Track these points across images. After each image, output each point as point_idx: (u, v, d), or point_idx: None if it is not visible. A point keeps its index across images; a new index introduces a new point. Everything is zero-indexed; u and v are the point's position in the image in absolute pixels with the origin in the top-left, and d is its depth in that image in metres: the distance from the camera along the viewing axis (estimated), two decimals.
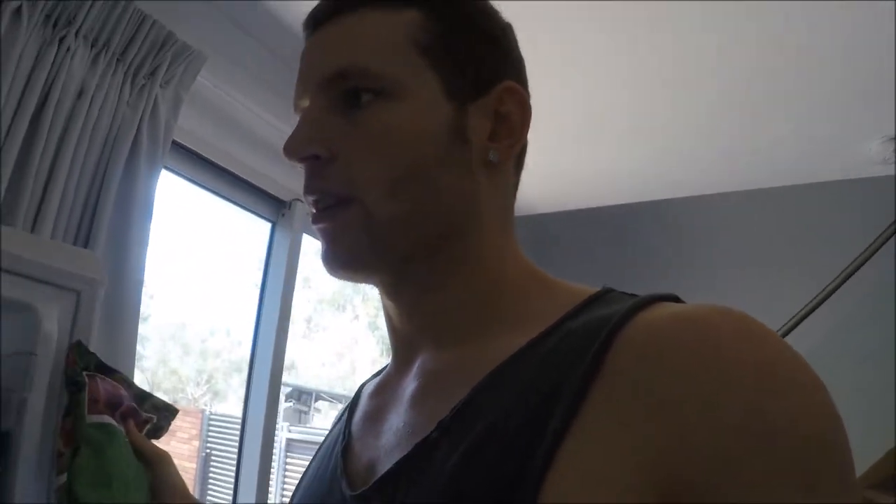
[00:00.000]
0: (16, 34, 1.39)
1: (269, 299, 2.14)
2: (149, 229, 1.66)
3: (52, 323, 0.91)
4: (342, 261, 0.59)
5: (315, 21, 0.62)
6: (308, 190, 0.59)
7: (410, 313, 0.62)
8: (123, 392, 0.93)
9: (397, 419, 0.58)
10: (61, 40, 1.48)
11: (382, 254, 0.58)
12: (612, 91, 2.21)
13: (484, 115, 0.60)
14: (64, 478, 0.82)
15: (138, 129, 1.63)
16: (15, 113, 1.40)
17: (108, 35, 1.57)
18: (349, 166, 0.57)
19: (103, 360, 0.97)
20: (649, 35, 1.93)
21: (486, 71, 0.60)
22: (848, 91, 2.10)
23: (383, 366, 0.72)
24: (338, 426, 0.70)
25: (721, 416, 0.40)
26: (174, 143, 1.87)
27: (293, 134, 0.58)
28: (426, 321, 0.61)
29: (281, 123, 2.07)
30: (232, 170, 2.06)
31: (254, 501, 2.06)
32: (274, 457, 4.87)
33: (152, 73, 1.67)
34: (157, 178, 1.68)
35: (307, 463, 0.72)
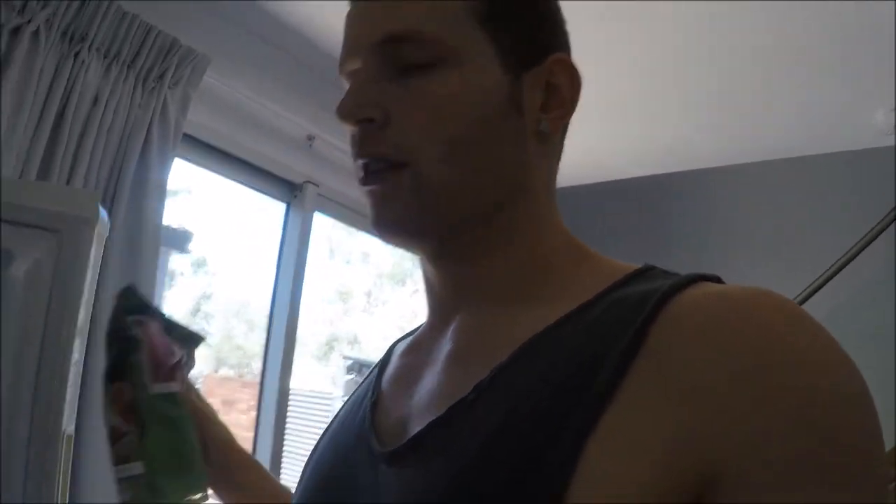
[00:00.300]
0: (35, 52, 1.63)
1: (284, 271, 2.38)
2: (162, 214, 1.90)
3: (22, 265, 0.88)
4: (390, 225, 0.59)
5: None
6: (359, 153, 0.58)
7: (452, 279, 0.62)
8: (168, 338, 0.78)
9: (431, 379, 0.58)
10: (76, 54, 1.73)
11: (432, 220, 0.58)
12: (629, 66, 2.29)
13: (536, 86, 0.60)
14: (139, 467, 0.67)
15: (149, 128, 1.87)
16: (39, 121, 1.65)
17: (119, 46, 1.80)
18: (403, 131, 0.56)
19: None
20: (669, 11, 2.00)
21: (539, 42, 0.61)
22: (853, 61, 2.12)
23: (416, 326, 0.72)
24: (366, 382, 0.69)
25: (761, 397, 0.41)
26: (196, 139, 2.11)
27: (347, 97, 0.57)
28: (468, 288, 0.61)
29: (288, 113, 2.29)
30: (247, 159, 2.29)
31: (269, 455, 2.31)
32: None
33: (161, 77, 1.90)
34: (169, 169, 1.92)
35: None
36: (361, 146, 0.57)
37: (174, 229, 3.23)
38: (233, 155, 2.26)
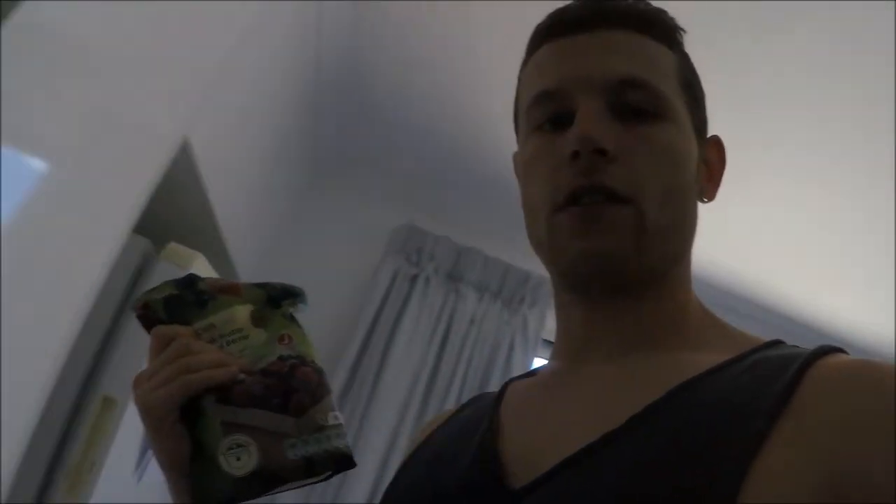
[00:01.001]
0: (427, 291, 2.35)
1: None
2: None
3: None
4: (596, 255, 0.59)
5: (581, 24, 0.63)
6: (581, 181, 0.58)
7: (604, 321, 0.62)
8: None
9: (570, 415, 0.58)
10: (456, 290, 2.40)
11: (638, 260, 0.59)
12: None
13: (701, 157, 0.65)
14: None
15: (513, 339, 2.40)
16: (430, 338, 2.31)
17: (487, 281, 2.44)
18: (631, 170, 0.58)
19: None
20: None
21: (704, 118, 0.67)
22: None
23: (532, 369, 0.74)
24: (474, 413, 0.69)
25: (890, 444, 0.43)
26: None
27: (588, 125, 0.58)
28: (615, 330, 0.62)
29: None
30: None
31: None
32: None
33: (521, 301, 2.46)
34: (530, 368, 2.38)
35: None
36: (586, 174, 0.58)
37: None
38: None
